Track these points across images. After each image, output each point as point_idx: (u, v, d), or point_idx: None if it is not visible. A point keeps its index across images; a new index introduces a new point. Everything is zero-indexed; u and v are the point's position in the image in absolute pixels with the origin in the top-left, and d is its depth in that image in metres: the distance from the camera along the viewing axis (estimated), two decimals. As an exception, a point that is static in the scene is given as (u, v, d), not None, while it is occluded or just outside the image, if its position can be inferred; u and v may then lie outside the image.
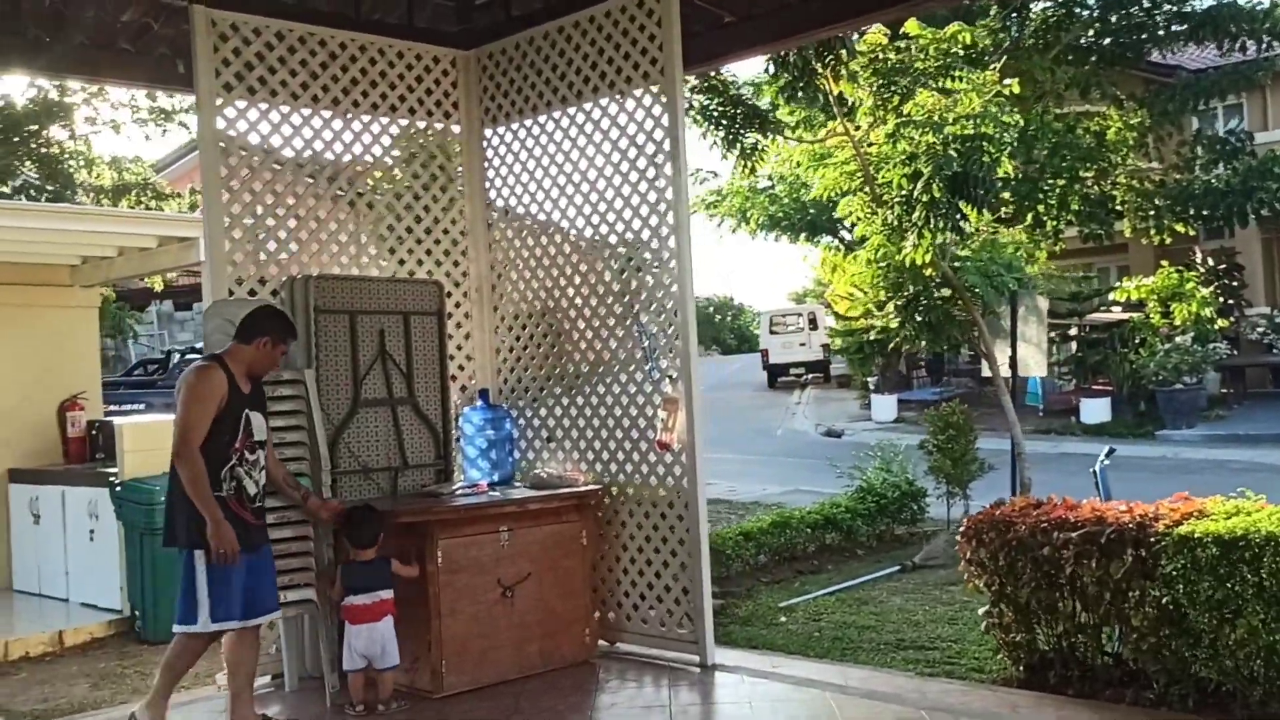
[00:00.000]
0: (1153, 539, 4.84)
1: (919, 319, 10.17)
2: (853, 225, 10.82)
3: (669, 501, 6.06)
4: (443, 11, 7.06)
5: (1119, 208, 14.95)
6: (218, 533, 4.75)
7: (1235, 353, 20.48)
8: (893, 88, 9.21)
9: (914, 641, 6.59)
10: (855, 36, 9.64)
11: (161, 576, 7.23)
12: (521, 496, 5.97)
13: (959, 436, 10.01)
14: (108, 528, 7.80)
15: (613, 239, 6.35)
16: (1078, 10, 14.46)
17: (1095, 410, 19.19)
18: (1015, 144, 11.38)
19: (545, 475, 6.29)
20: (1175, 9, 15.18)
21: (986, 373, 11.79)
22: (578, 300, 6.57)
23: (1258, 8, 14.53)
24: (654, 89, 6.02)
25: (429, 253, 6.78)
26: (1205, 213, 15.53)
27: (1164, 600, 4.77)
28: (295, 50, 6.23)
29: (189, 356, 14.23)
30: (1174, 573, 4.71)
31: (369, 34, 6.55)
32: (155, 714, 5.00)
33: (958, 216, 8.84)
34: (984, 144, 8.72)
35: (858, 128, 9.82)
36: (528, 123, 6.71)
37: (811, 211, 18.59)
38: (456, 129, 6.96)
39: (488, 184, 6.99)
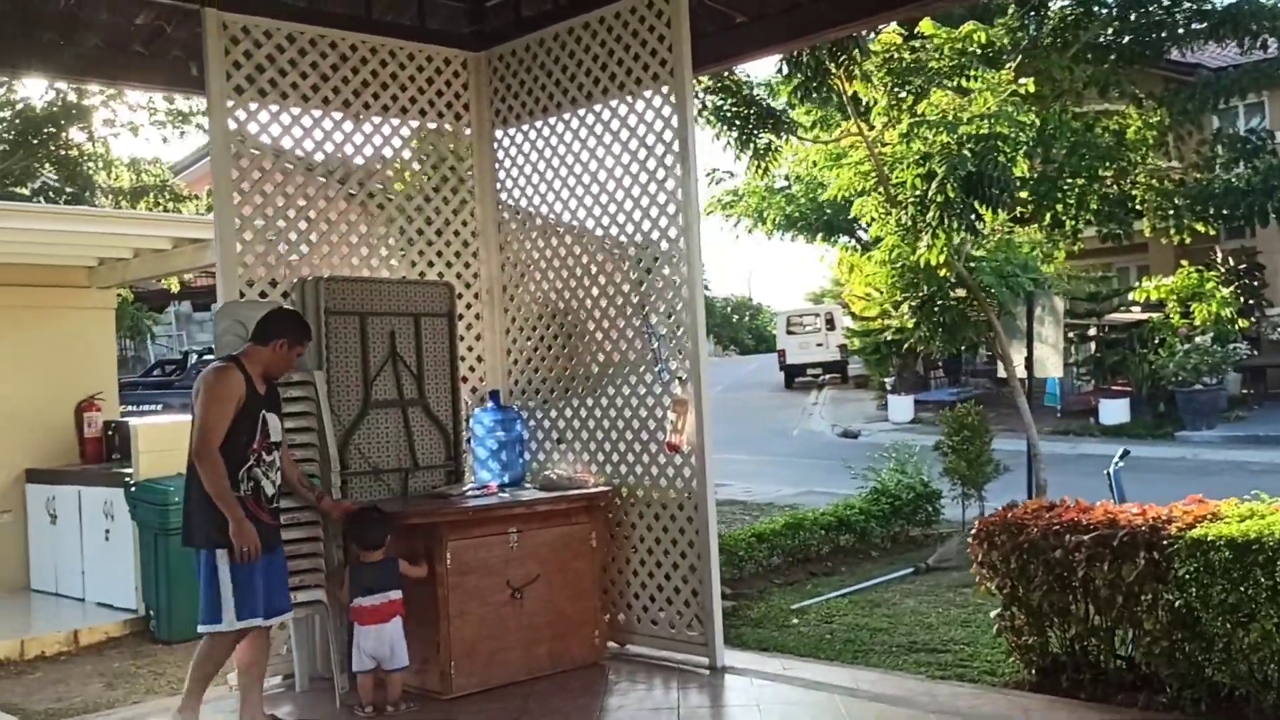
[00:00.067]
0: (1165, 542, 4.79)
1: (934, 320, 10.12)
2: (868, 225, 10.78)
3: (679, 503, 6.05)
4: (454, 13, 7.07)
5: (1138, 207, 14.84)
6: (240, 531, 4.79)
7: (1256, 353, 20.31)
8: (907, 87, 9.16)
9: (926, 644, 6.55)
10: (872, 35, 9.61)
11: (176, 576, 7.27)
12: (530, 498, 5.97)
13: (974, 438, 9.94)
14: (123, 528, 7.84)
15: (623, 240, 6.34)
16: (1096, 8, 14.36)
17: (1114, 411, 19.07)
18: (1032, 143, 11.31)
19: (555, 477, 6.29)
20: (1195, 7, 15.05)
21: (1004, 373, 11.73)
22: (588, 302, 6.57)
23: (1279, 5, 14.39)
24: (664, 90, 6.02)
25: (440, 254, 6.80)
26: (1226, 212, 15.38)
27: (1177, 604, 4.72)
28: (306, 52, 6.25)
29: (206, 357, 14.29)
30: (1187, 576, 4.67)
31: (380, 36, 6.57)
32: (189, 717, 5.02)
33: (972, 217, 8.79)
34: (999, 143, 8.67)
35: (872, 127, 9.79)
36: (538, 124, 6.71)
37: (828, 211, 18.54)
38: (467, 130, 6.97)
39: (498, 185, 7.00)
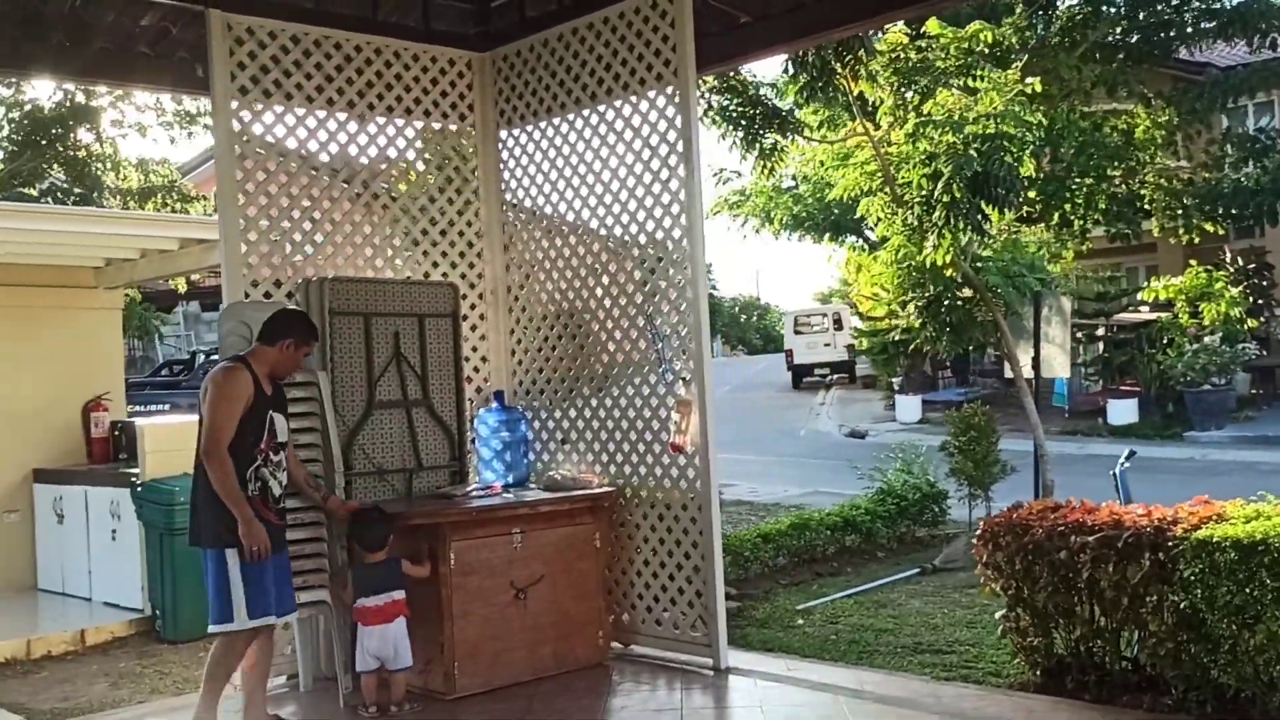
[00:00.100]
0: (1170, 543, 4.77)
1: (940, 320, 10.10)
2: (874, 225, 10.78)
3: (682, 504, 6.05)
4: (459, 14, 7.07)
5: (1147, 207, 14.83)
6: (249, 531, 4.80)
7: (1265, 353, 20.23)
8: (913, 87, 9.15)
9: (931, 645, 6.53)
10: (880, 33, 9.59)
11: (181, 576, 7.29)
12: (534, 498, 5.97)
13: (981, 438, 9.91)
14: (129, 528, 7.86)
15: (626, 240, 6.34)
16: (1105, 8, 14.34)
17: (1122, 411, 19.02)
18: (1039, 143, 11.29)
19: (559, 477, 6.29)
20: (1204, 6, 15.03)
21: (1011, 374, 11.72)
22: (591, 302, 6.56)
23: (1288, 4, 14.36)
24: (667, 90, 6.01)
25: (444, 254, 6.80)
26: (1234, 211, 15.36)
27: (1182, 605, 4.70)
28: (311, 53, 6.26)
29: (214, 357, 14.34)
30: (1192, 577, 4.65)
31: (385, 37, 6.57)
32: (208, 717, 5.03)
33: (979, 217, 8.77)
34: (1005, 143, 8.65)
35: (878, 127, 9.77)
36: (542, 124, 6.71)
37: (835, 211, 18.53)
38: (472, 131, 6.97)
39: (503, 186, 7.00)
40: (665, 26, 5.98)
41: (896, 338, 20.33)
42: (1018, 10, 12.52)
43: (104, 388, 9.25)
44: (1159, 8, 14.77)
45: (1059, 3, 14.26)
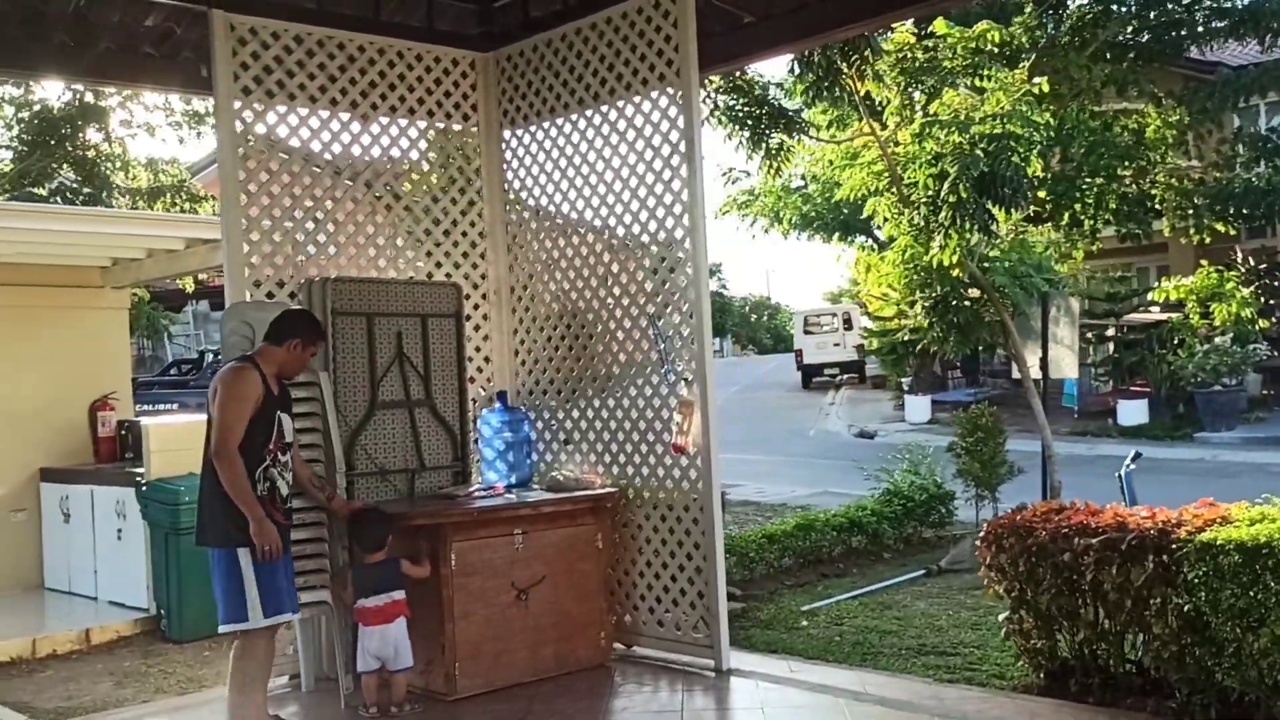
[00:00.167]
0: (1174, 545, 4.74)
1: (948, 320, 10.06)
2: (881, 225, 10.74)
3: (684, 505, 6.04)
4: (462, 14, 7.07)
5: (1158, 206, 14.75)
6: (261, 531, 4.80)
7: (1276, 354, 20.13)
8: (919, 87, 9.12)
9: (936, 647, 6.50)
10: (888, 32, 9.56)
11: (187, 576, 7.30)
12: (536, 499, 5.97)
13: (988, 439, 9.88)
14: (135, 527, 7.87)
15: (629, 241, 6.33)
16: (1115, 7, 14.26)
17: (1132, 412, 18.94)
18: (1047, 143, 11.23)
19: (562, 478, 6.29)
20: (1215, 5, 14.95)
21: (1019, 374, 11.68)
22: (594, 303, 6.56)
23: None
24: (670, 91, 6.00)
25: (447, 255, 6.80)
26: (1246, 211, 15.28)
27: (1186, 608, 4.67)
28: (314, 53, 6.26)
29: (220, 357, 14.41)
30: (1196, 580, 4.62)
31: (388, 37, 6.57)
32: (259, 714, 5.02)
33: (985, 217, 8.74)
34: (1012, 143, 8.61)
35: (885, 127, 9.74)
36: (545, 125, 6.71)
37: (845, 211, 18.50)
38: (475, 131, 6.97)
39: (506, 186, 6.99)
40: (668, 27, 5.97)
41: (905, 338, 20.30)
42: (1027, 10, 12.47)
43: (111, 387, 9.28)
44: (1170, 7, 14.68)
45: (1069, 2, 14.19)
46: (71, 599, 8.54)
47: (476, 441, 6.55)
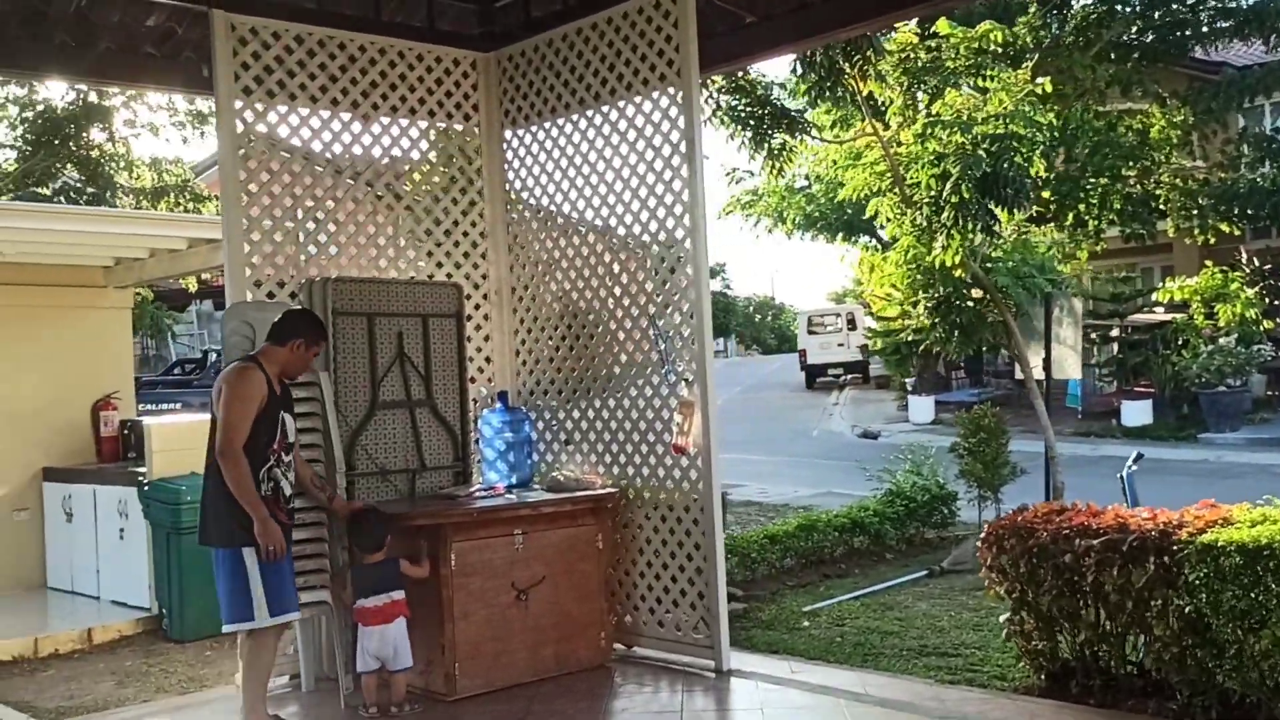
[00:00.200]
0: (1175, 547, 4.73)
1: (950, 321, 10.05)
2: (884, 225, 10.73)
3: (685, 505, 6.04)
4: (463, 14, 7.07)
5: (1162, 207, 14.74)
6: (265, 531, 4.81)
7: (1280, 354, 20.08)
8: (922, 87, 9.11)
9: (937, 648, 6.49)
10: (891, 32, 9.56)
11: (188, 576, 7.31)
12: (536, 499, 5.96)
13: (990, 439, 9.85)
14: (137, 526, 7.88)
15: (630, 242, 6.33)
16: (1119, 7, 14.26)
17: (1136, 413, 18.90)
18: (1050, 143, 11.22)
19: (562, 478, 6.28)
20: (1220, 5, 14.94)
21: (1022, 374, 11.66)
22: (595, 303, 6.55)
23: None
24: (671, 91, 6.00)
25: (449, 255, 6.80)
26: (1250, 212, 15.28)
27: (1187, 610, 4.66)
28: (315, 53, 6.26)
29: (222, 356, 14.43)
30: (1197, 582, 4.60)
31: (389, 37, 6.57)
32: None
33: (988, 217, 8.73)
34: (1014, 144, 8.60)
35: (887, 127, 9.73)
36: (546, 125, 6.71)
37: (849, 211, 18.48)
38: (476, 131, 6.97)
39: (507, 186, 6.99)
40: (669, 27, 5.97)
41: (909, 338, 20.26)
42: (1032, 10, 12.47)
43: (113, 387, 9.29)
44: (1174, 7, 14.68)
45: (1074, 2, 14.18)
46: (74, 598, 8.55)
47: (477, 442, 6.55)
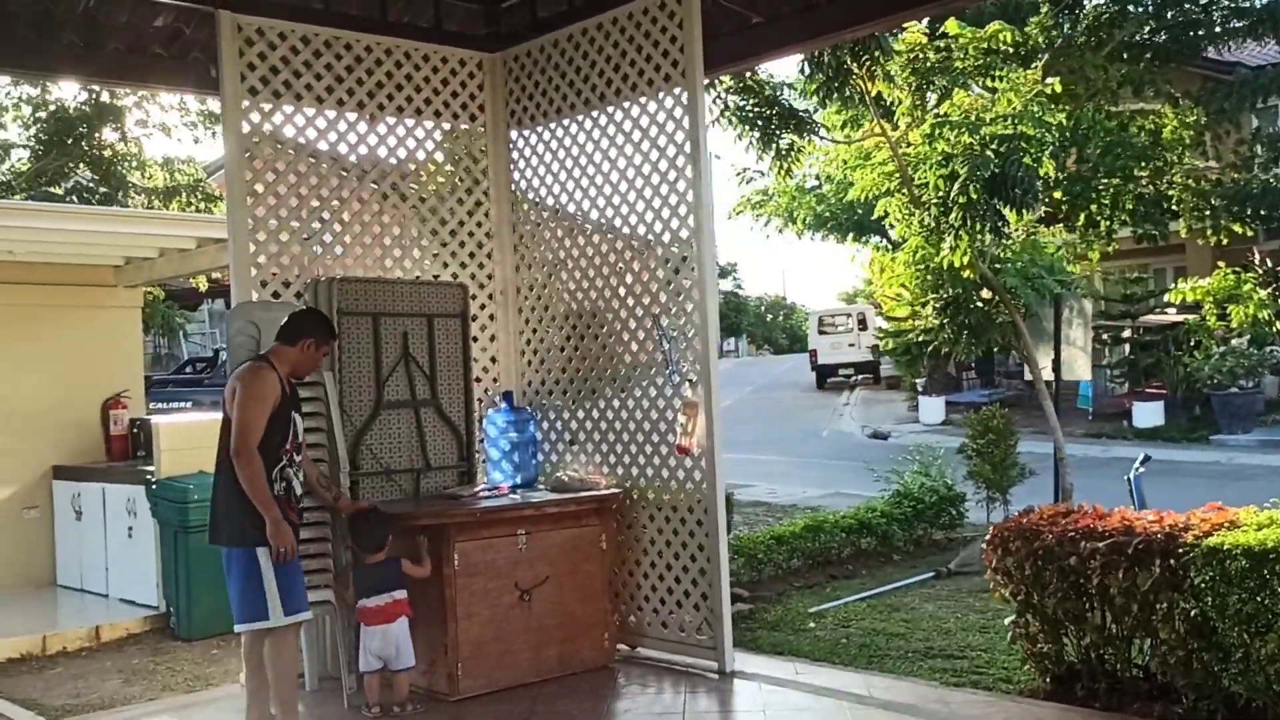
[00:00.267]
0: (1181, 550, 4.71)
1: (959, 322, 10.01)
2: (892, 226, 10.70)
3: (689, 506, 6.03)
4: (469, 15, 7.07)
5: (1174, 207, 14.65)
6: (278, 532, 4.80)
7: (1293, 356, 19.95)
8: (930, 88, 9.08)
9: (943, 650, 6.47)
10: (900, 32, 9.52)
11: (196, 574, 7.33)
12: (539, 500, 5.96)
13: (999, 441, 9.83)
14: (145, 525, 7.91)
15: (635, 242, 6.33)
16: (1132, 7, 14.18)
17: (1148, 414, 18.82)
18: (1065, 143, 11.15)
19: (566, 478, 6.27)
20: (1233, 4, 14.84)
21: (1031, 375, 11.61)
22: (600, 303, 6.55)
23: (1320, 3, 14.16)
24: (675, 91, 5.99)
25: (454, 255, 6.81)
26: (1264, 212, 15.16)
27: (1193, 613, 4.64)
28: (321, 54, 6.28)
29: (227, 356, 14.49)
30: (1203, 585, 4.59)
31: (395, 37, 6.58)
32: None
33: (996, 218, 8.68)
34: (1023, 144, 8.56)
35: (896, 128, 9.70)
36: (552, 125, 6.71)
37: (859, 211, 18.43)
38: (482, 131, 6.97)
39: (513, 186, 7.00)
40: (674, 28, 5.96)
41: (919, 339, 20.22)
42: (1043, 10, 12.40)
43: (123, 385, 9.32)
44: (1187, 6, 14.59)
45: (1085, 2, 14.11)
46: (83, 596, 8.59)
47: (482, 441, 6.56)
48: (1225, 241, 14.69)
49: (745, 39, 6.55)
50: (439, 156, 6.89)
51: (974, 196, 8.50)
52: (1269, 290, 16.22)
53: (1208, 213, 14.41)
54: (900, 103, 9.50)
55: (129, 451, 9.03)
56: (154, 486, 7.65)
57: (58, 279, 9.18)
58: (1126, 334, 21.44)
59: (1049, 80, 9.68)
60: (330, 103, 6.33)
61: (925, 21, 9.55)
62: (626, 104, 6.25)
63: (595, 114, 6.45)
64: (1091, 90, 13.23)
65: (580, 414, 6.65)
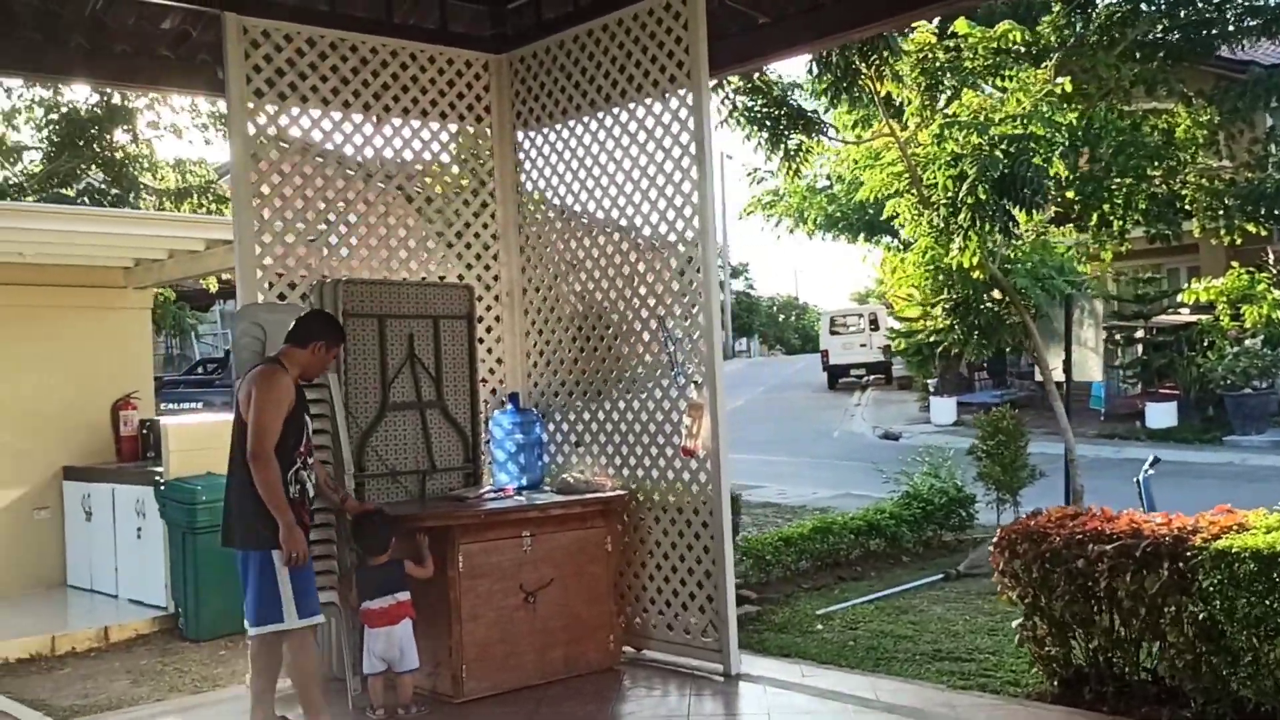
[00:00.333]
0: (1189, 553, 4.68)
1: (969, 322, 9.98)
2: (902, 226, 10.65)
3: (694, 508, 6.02)
4: (475, 16, 7.07)
5: (1188, 207, 14.56)
6: (290, 537, 4.81)
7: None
8: (939, 87, 9.04)
9: (951, 652, 6.44)
10: (909, 31, 9.49)
11: (203, 575, 7.35)
12: (544, 502, 5.96)
13: (1009, 442, 9.78)
14: (154, 526, 7.93)
15: (641, 244, 6.31)
16: (1144, 5, 14.09)
17: (1161, 415, 18.70)
18: (1078, 142, 11.09)
19: (573, 480, 6.26)
20: (1247, 3, 14.73)
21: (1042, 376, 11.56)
22: (605, 304, 6.54)
23: (1335, 2, 14.05)
24: (681, 92, 5.98)
25: (460, 256, 6.81)
26: (1278, 212, 15.02)
27: (1201, 616, 4.60)
28: (327, 56, 6.28)
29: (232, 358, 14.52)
30: (1211, 588, 4.55)
31: (401, 39, 6.58)
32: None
33: (1005, 218, 8.65)
34: (1032, 144, 8.52)
35: (905, 128, 9.67)
36: (558, 126, 6.71)
37: (870, 211, 18.37)
38: (488, 132, 6.97)
39: (519, 188, 6.99)
40: (679, 29, 5.95)
41: (930, 339, 20.14)
42: (1056, 9, 12.34)
43: (133, 386, 9.35)
44: (1200, 5, 14.49)
45: (1098, 1, 14.03)
46: (93, 597, 8.62)
47: (488, 443, 6.55)
48: (1239, 241, 14.59)
49: (752, 39, 6.53)
50: (445, 158, 6.88)
51: (983, 197, 8.47)
52: (1283, 290, 16.13)
53: (1221, 212, 14.30)
54: (910, 103, 9.46)
55: (139, 452, 9.06)
56: (162, 488, 7.67)
57: (68, 281, 9.21)
58: (1139, 334, 21.31)
59: (1059, 80, 9.63)
60: (336, 104, 6.34)
61: (935, 21, 9.52)
62: (632, 105, 6.24)
63: (601, 115, 6.44)
64: (1104, 90, 13.16)
65: (586, 415, 6.64)
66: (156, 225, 9.43)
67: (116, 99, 16.20)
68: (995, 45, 9.19)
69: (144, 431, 9.08)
